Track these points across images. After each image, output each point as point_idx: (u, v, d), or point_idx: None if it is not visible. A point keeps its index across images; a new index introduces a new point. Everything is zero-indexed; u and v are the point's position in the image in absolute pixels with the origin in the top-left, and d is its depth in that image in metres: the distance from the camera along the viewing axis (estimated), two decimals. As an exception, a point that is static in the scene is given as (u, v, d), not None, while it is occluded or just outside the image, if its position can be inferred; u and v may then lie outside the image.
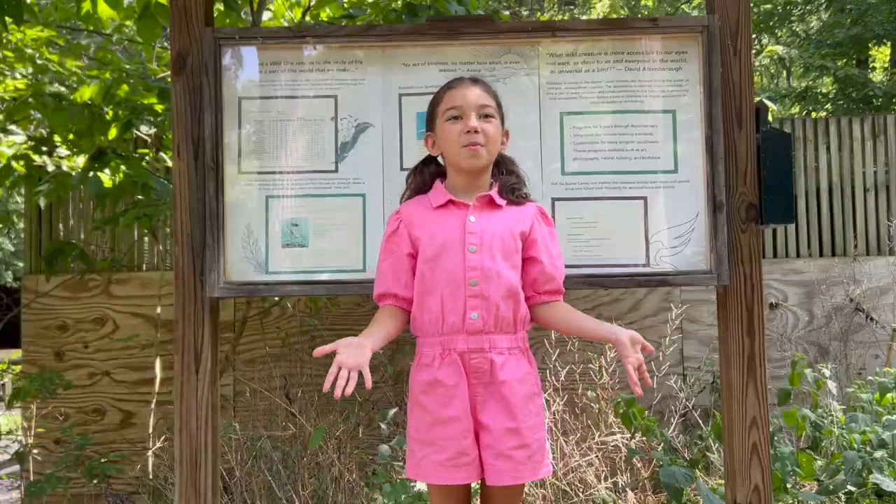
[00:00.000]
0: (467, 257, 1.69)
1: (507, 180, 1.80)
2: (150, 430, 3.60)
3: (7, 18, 2.75)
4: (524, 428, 1.67)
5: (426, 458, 1.67)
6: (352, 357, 1.52)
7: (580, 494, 3.11)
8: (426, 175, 1.84)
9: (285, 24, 3.87)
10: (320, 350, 1.53)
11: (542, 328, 1.84)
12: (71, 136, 3.42)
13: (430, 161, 1.86)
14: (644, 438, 3.18)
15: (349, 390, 1.48)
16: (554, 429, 3.21)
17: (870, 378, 3.98)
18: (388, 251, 1.77)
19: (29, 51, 3.70)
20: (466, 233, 1.71)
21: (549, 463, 1.75)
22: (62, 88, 3.62)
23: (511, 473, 1.66)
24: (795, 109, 9.74)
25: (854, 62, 9.46)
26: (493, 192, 1.76)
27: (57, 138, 3.55)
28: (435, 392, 1.67)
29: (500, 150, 1.80)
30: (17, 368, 4.53)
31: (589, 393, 3.53)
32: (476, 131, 1.70)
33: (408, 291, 1.74)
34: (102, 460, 3.54)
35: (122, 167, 3.26)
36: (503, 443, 1.66)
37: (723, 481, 2.72)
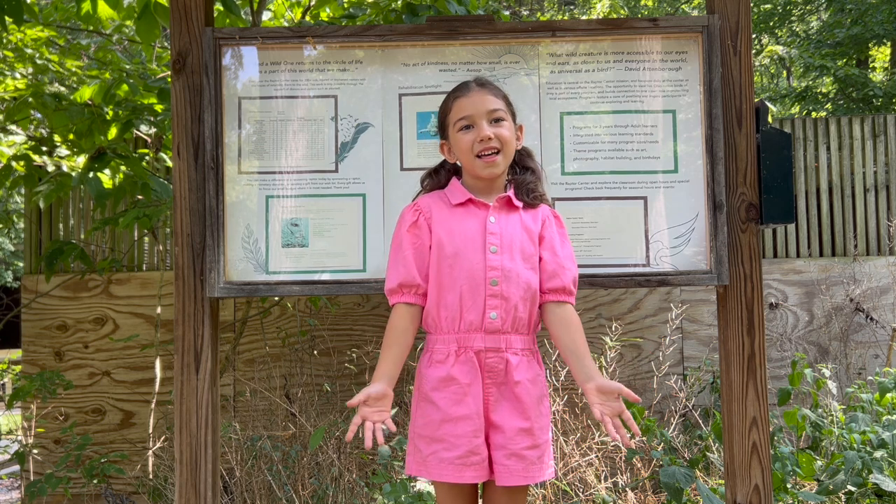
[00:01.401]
0: (488, 257, 1.69)
1: (524, 179, 1.80)
2: (150, 430, 3.60)
3: (7, 18, 2.75)
4: (536, 428, 1.68)
5: (434, 456, 1.67)
6: (376, 413, 1.62)
7: (580, 494, 3.11)
8: (442, 175, 1.84)
9: (285, 24, 3.87)
10: (352, 402, 1.61)
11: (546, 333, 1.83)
12: (71, 136, 3.42)
13: (445, 162, 1.87)
14: (644, 438, 3.18)
15: (380, 439, 1.61)
16: (554, 429, 3.21)
17: (870, 378, 3.99)
18: (410, 242, 1.73)
19: (29, 51, 3.70)
20: (487, 233, 1.71)
21: (553, 464, 1.75)
22: (62, 88, 3.61)
23: (523, 473, 1.66)
24: (795, 109, 9.74)
25: (854, 62, 9.47)
26: (511, 193, 1.76)
27: (57, 138, 3.56)
28: (448, 389, 1.67)
29: (516, 146, 1.80)
30: (17, 368, 4.54)
31: (589, 393, 3.51)
32: (490, 138, 1.70)
33: (427, 284, 1.72)
34: (102, 460, 3.53)
35: (122, 167, 3.26)
36: (517, 443, 1.66)
37: (723, 481, 2.72)
